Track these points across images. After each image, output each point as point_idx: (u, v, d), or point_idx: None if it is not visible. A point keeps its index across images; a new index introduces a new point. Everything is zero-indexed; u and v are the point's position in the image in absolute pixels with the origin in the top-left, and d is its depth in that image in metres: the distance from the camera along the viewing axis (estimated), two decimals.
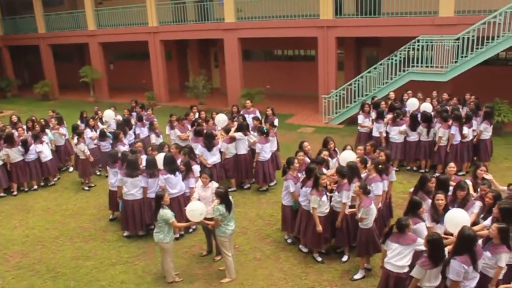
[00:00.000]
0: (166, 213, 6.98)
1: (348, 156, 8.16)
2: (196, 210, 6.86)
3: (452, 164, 7.82)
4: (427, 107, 11.60)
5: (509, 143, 13.25)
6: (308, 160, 8.68)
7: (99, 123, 12.92)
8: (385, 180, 7.76)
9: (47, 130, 12.41)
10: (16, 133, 11.76)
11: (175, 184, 8.52)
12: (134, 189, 8.66)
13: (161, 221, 7.01)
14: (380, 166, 7.60)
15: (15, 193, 11.51)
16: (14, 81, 26.62)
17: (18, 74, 27.57)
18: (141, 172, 8.71)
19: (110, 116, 13.11)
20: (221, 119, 11.26)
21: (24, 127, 12.58)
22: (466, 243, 5.21)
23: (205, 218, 7.13)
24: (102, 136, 11.95)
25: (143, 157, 9.34)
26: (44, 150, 11.65)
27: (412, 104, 11.85)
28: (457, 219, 5.78)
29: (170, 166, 8.54)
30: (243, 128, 10.75)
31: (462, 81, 14.10)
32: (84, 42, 23.75)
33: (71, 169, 12.92)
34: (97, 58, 23.11)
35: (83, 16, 23.04)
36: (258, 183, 10.83)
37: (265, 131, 10.56)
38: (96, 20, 22.68)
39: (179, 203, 8.47)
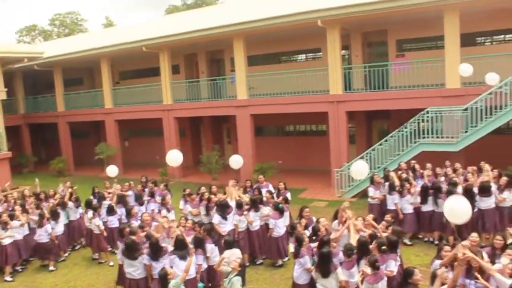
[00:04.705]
0: (173, 282, 6.77)
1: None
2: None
3: (474, 234, 7.56)
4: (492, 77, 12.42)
5: None
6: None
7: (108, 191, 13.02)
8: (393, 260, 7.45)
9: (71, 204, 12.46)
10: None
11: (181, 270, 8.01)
12: (131, 268, 8.33)
13: None
14: (383, 247, 7.34)
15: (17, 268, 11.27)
16: (31, 158, 27.23)
17: (35, 151, 28.30)
18: (140, 254, 8.30)
19: (114, 172, 13.02)
20: (235, 160, 11.05)
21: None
22: None
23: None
24: (110, 211, 11.92)
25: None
26: (57, 227, 11.61)
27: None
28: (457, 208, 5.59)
29: (181, 251, 8.07)
30: (256, 204, 10.66)
31: (475, 151, 14.05)
32: (100, 119, 24.51)
33: (78, 247, 12.83)
34: (113, 134, 23.71)
35: (100, 95, 24.00)
36: (272, 258, 10.53)
37: (280, 207, 10.43)
38: (113, 99, 23.54)
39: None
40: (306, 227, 9.14)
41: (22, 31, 52.72)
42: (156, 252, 8.19)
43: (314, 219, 9.26)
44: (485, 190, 10.47)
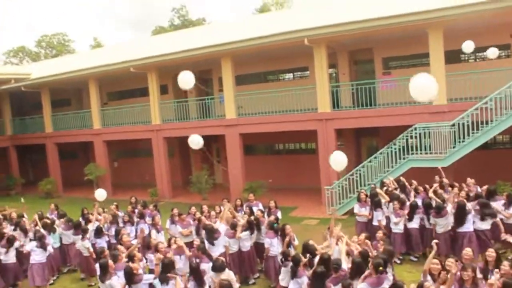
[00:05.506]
0: None
1: None
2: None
3: (468, 249, 7.57)
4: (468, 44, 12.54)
5: None
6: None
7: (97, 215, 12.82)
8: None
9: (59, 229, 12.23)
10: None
11: None
12: None
13: None
14: (380, 268, 7.13)
15: None
16: (18, 179, 26.95)
17: (23, 172, 28.03)
18: (109, 278, 8.03)
19: (103, 196, 12.88)
20: (192, 140, 11.04)
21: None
22: None
23: None
24: (98, 233, 11.76)
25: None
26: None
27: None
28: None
29: (164, 274, 7.82)
30: (252, 227, 10.47)
31: (464, 166, 14.20)
32: (89, 140, 24.36)
33: (65, 269, 12.59)
34: (102, 155, 23.54)
35: (89, 116, 23.89)
36: (270, 279, 10.23)
37: (275, 227, 10.20)
38: (101, 119, 23.45)
39: None
40: (288, 246, 9.23)
41: (9, 52, 52.60)
42: (129, 278, 7.91)
43: (295, 236, 9.26)
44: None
